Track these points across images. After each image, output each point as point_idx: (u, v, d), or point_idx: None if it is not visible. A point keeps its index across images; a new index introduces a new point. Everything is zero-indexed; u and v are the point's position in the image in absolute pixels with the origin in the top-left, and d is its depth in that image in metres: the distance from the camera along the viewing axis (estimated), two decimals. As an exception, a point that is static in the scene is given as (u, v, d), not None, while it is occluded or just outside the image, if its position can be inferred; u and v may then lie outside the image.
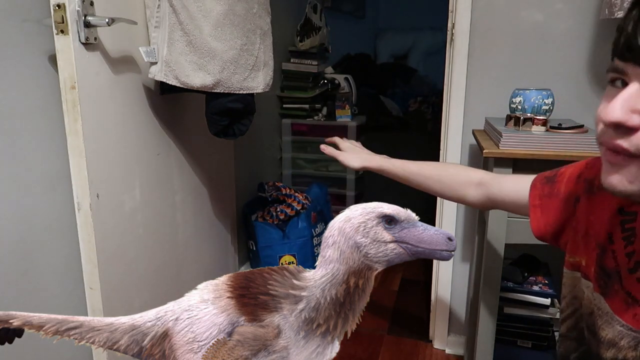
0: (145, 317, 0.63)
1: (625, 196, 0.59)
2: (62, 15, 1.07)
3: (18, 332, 0.63)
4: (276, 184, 2.40)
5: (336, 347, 0.62)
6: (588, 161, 0.82)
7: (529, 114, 1.38)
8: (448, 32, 1.66)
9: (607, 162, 0.58)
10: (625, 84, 0.57)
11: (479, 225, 1.63)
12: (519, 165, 1.29)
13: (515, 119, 1.37)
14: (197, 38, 1.29)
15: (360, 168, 1.16)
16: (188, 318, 0.59)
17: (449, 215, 1.79)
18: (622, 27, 0.56)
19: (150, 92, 1.41)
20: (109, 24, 1.12)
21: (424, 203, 2.53)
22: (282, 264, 2.24)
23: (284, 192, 2.36)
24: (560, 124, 1.33)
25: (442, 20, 1.85)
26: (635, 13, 0.53)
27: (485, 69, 1.64)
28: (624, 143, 0.54)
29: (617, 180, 0.56)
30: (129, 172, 1.34)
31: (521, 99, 1.43)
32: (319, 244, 1.72)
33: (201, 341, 0.58)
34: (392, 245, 0.59)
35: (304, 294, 0.59)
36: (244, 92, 1.42)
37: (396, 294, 2.37)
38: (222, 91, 1.37)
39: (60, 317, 0.62)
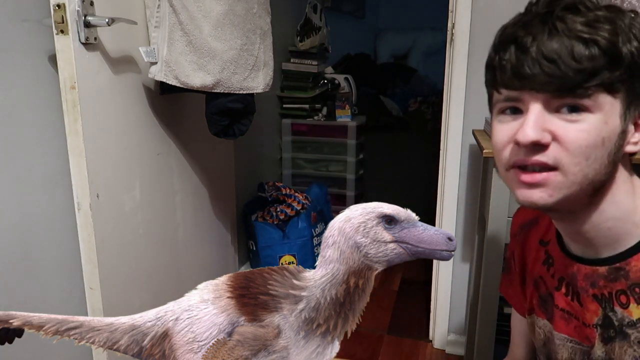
0: (145, 317, 0.63)
1: (545, 209, 0.66)
2: (62, 15, 1.07)
3: (18, 332, 0.63)
4: (276, 184, 2.40)
5: (336, 347, 0.62)
6: (512, 221, 0.92)
7: (529, 114, 1.38)
8: (448, 32, 1.66)
9: (522, 184, 0.64)
10: (515, 111, 0.64)
11: (479, 225, 1.63)
12: (519, 165, 1.29)
13: (515, 119, 1.37)
14: (197, 38, 1.29)
15: None
16: (188, 318, 0.59)
17: (449, 215, 1.79)
18: (500, 63, 0.63)
19: (150, 92, 1.41)
20: (109, 24, 1.12)
21: (424, 203, 2.54)
22: (282, 264, 2.24)
23: (284, 192, 2.36)
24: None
25: (442, 20, 1.85)
26: (514, 49, 0.62)
27: (485, 69, 1.64)
28: (542, 158, 0.61)
29: (538, 196, 0.63)
30: (129, 172, 1.34)
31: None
32: (319, 244, 1.72)
33: (201, 341, 0.58)
34: (392, 245, 0.59)
35: (304, 294, 0.59)
36: (244, 92, 1.42)
37: (396, 294, 2.37)
38: (222, 91, 1.37)
39: (60, 317, 0.62)
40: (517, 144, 0.63)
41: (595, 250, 0.69)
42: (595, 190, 0.64)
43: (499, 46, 0.65)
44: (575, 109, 0.60)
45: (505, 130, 0.66)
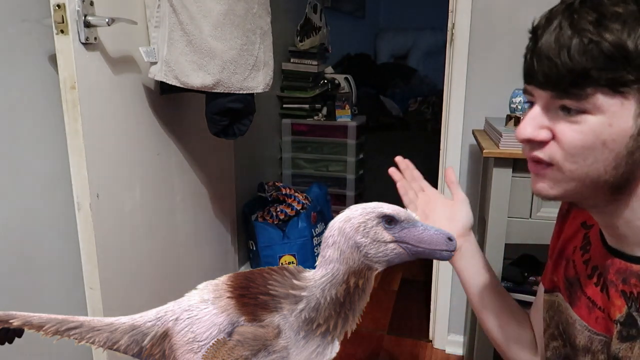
0: (145, 317, 0.63)
1: (554, 200, 0.67)
2: (62, 15, 1.07)
3: (18, 332, 0.63)
4: (276, 184, 2.40)
5: (336, 347, 0.62)
6: None
7: (529, 114, 1.38)
8: (448, 32, 1.66)
9: (532, 173, 0.66)
10: (532, 105, 0.65)
11: (479, 225, 1.63)
12: (518, 165, 1.29)
13: (515, 119, 1.37)
14: (197, 38, 1.29)
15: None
16: (188, 318, 0.60)
17: (449, 215, 1.79)
18: (525, 53, 0.64)
19: (150, 92, 1.41)
20: (109, 24, 1.12)
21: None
22: (282, 264, 2.24)
23: (284, 192, 2.36)
24: (560, 124, 1.33)
25: (442, 20, 1.85)
26: (530, 43, 0.62)
27: (485, 69, 1.64)
28: (538, 154, 0.63)
29: (542, 187, 0.65)
30: (129, 172, 1.34)
31: (521, 99, 1.43)
32: (319, 244, 1.72)
33: (201, 341, 0.58)
34: (392, 245, 0.59)
35: (304, 294, 0.59)
36: (244, 92, 1.42)
37: (396, 294, 2.37)
38: (222, 91, 1.37)
39: (60, 317, 0.62)
40: None
41: (630, 247, 0.67)
42: (614, 189, 0.62)
43: (530, 33, 0.63)
44: (572, 110, 0.59)
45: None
